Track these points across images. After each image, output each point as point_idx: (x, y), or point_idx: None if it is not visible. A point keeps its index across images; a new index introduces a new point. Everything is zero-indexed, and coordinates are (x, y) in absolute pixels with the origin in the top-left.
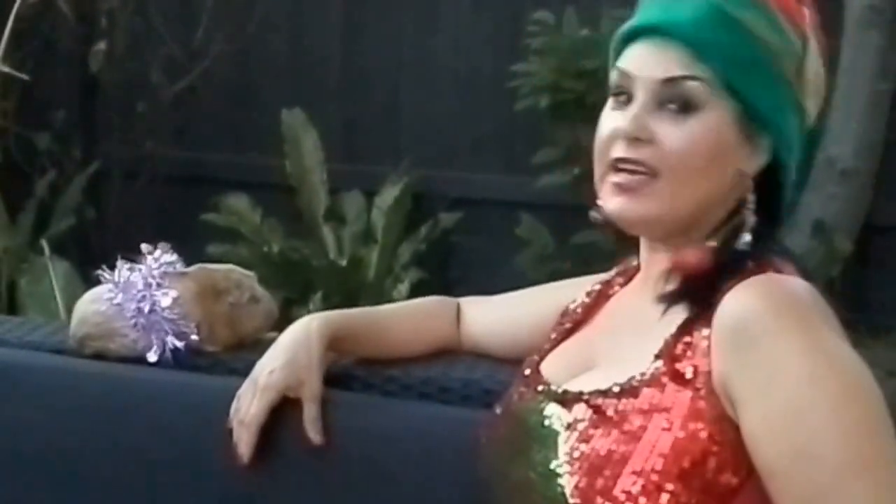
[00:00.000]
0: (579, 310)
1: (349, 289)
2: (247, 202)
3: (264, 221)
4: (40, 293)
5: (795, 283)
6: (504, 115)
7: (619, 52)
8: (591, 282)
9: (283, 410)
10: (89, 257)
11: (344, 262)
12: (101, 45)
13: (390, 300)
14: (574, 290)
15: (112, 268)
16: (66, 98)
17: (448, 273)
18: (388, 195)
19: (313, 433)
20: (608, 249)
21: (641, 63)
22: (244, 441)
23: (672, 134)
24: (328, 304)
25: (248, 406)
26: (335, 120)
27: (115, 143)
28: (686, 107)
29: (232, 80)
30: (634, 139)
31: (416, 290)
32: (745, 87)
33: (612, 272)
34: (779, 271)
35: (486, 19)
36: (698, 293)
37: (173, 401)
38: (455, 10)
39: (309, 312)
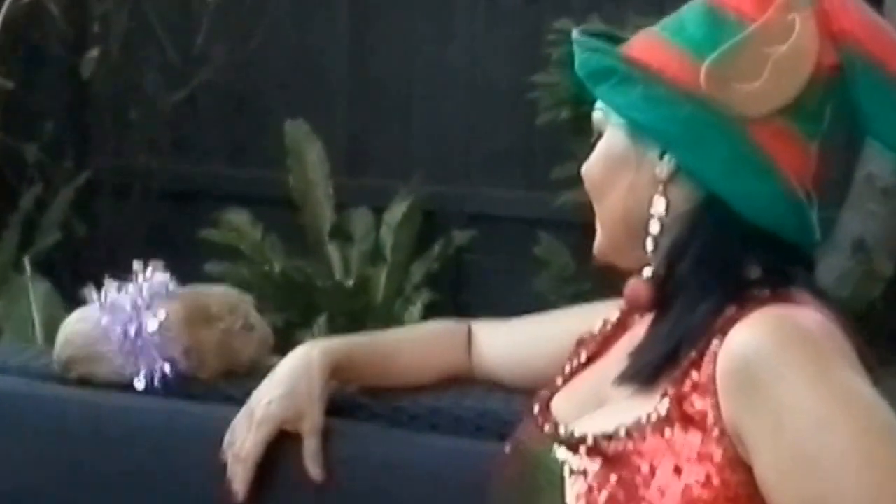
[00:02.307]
0: (596, 341)
1: (356, 311)
2: (247, 218)
3: (265, 239)
4: (17, 315)
5: (805, 316)
6: (522, 127)
7: None
8: (611, 308)
9: (281, 443)
10: (77, 275)
11: (350, 283)
12: (94, 52)
13: (400, 323)
14: (593, 316)
15: (101, 287)
16: (55, 107)
17: (462, 294)
18: (398, 211)
19: (314, 468)
20: (631, 271)
21: None
22: (239, 477)
23: (589, 160)
24: (333, 328)
25: (244, 440)
26: (342, 132)
27: (107, 155)
28: (599, 134)
29: (233, 89)
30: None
31: (429, 313)
32: (609, 97)
33: None
34: (793, 302)
35: (503, 27)
36: (656, 356)
37: (163, 430)
38: (471, 16)
39: (312, 336)
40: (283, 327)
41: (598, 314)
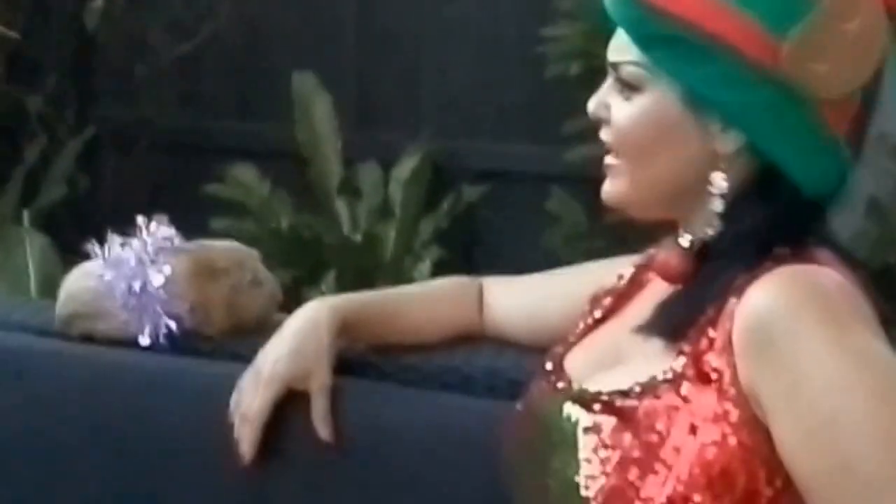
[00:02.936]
0: (610, 297)
1: (365, 268)
2: (254, 173)
3: (273, 194)
4: (12, 267)
5: (823, 275)
6: (532, 81)
7: None
8: (625, 264)
9: (290, 403)
10: (81, 230)
11: (359, 239)
12: (99, 2)
13: (410, 280)
14: (606, 273)
15: (104, 242)
16: (59, 59)
17: (472, 251)
18: (407, 166)
19: (322, 428)
20: (645, 227)
21: (610, 43)
22: (246, 438)
23: (618, 113)
24: (342, 284)
25: (252, 400)
26: (350, 85)
27: (112, 108)
28: (630, 87)
29: (239, 41)
30: (598, 119)
31: (438, 270)
32: (673, 69)
33: (648, 254)
34: (812, 261)
35: None
36: (686, 307)
37: (168, 389)
38: None
39: (321, 293)
40: (290, 284)
41: (611, 271)
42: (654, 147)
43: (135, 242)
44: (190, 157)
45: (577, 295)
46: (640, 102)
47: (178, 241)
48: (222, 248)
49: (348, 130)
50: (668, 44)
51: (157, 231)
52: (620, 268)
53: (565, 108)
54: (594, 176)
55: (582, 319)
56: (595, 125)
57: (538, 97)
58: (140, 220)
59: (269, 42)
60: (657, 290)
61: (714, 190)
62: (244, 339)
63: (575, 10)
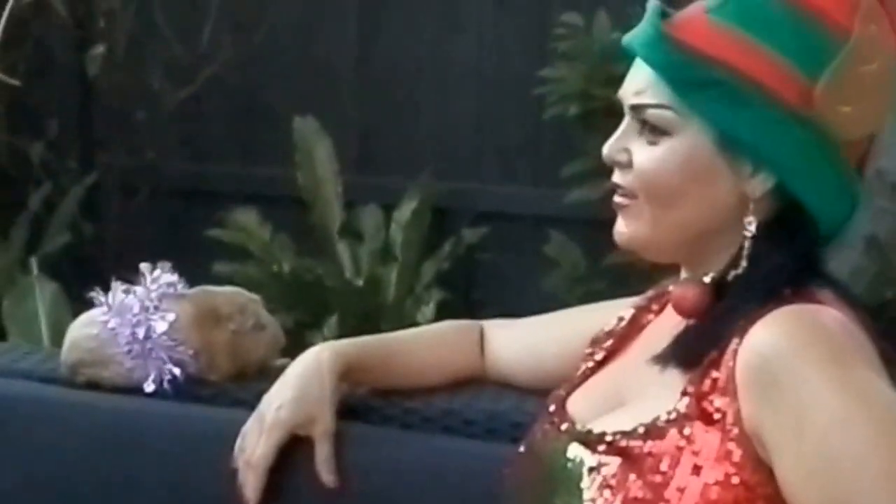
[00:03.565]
0: (611, 339)
1: (367, 311)
2: (255, 217)
3: (274, 238)
4: (23, 315)
5: (825, 315)
6: (531, 123)
7: None
8: (624, 306)
9: (293, 448)
10: (86, 276)
11: (361, 282)
12: (100, 49)
13: (413, 323)
14: (606, 315)
15: (108, 288)
16: (61, 105)
17: (474, 293)
18: (407, 209)
19: (326, 474)
20: (645, 269)
21: (624, 85)
22: (250, 484)
23: (643, 157)
24: (344, 328)
25: (255, 446)
26: (350, 128)
27: (114, 153)
28: (656, 131)
29: (240, 86)
30: (616, 163)
31: (440, 312)
32: (707, 112)
33: (648, 295)
34: (814, 300)
35: (510, 21)
36: (704, 338)
37: (173, 434)
38: (478, 11)
39: (323, 337)
40: (293, 328)
41: (611, 312)
42: (683, 190)
43: (138, 289)
44: (192, 202)
45: (578, 337)
46: (670, 146)
47: (181, 287)
48: (225, 293)
49: (349, 174)
50: (705, 87)
51: (160, 278)
52: (620, 310)
53: (564, 149)
54: (593, 218)
55: (583, 362)
56: (601, 167)
57: (537, 139)
58: (143, 266)
59: (269, 86)
60: (657, 332)
61: (746, 233)
62: (248, 383)
63: (574, 52)
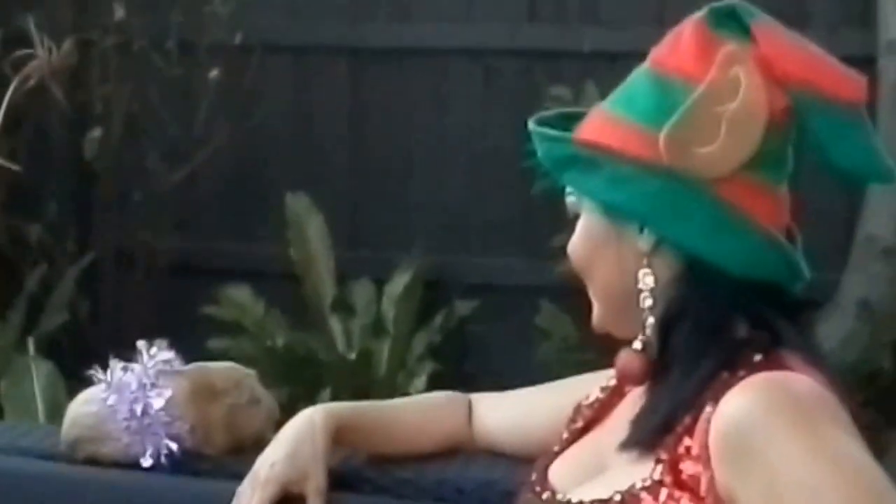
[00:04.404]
0: (593, 408)
1: (359, 384)
2: (249, 293)
3: (268, 313)
4: (20, 395)
5: (796, 381)
6: (521, 196)
7: None
8: (607, 376)
9: None
10: (83, 354)
11: (353, 356)
12: (96, 132)
13: (405, 395)
14: (589, 385)
15: (106, 366)
16: (59, 188)
17: (466, 365)
18: (399, 283)
19: None
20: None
21: None
22: None
23: (572, 240)
24: (337, 401)
25: (248, 501)
26: (342, 204)
27: (110, 233)
28: (576, 217)
29: (234, 165)
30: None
31: (433, 384)
32: (576, 183)
33: None
34: (785, 366)
35: (499, 96)
36: (659, 417)
37: None
38: (467, 87)
39: None
40: (286, 402)
41: (594, 382)
42: (593, 261)
43: (136, 367)
44: (187, 280)
45: (563, 407)
46: (579, 225)
47: (177, 363)
48: (220, 368)
49: (341, 249)
50: (571, 164)
51: (156, 355)
52: (603, 380)
53: (553, 222)
54: (583, 288)
55: (566, 430)
56: None
57: (526, 212)
58: (140, 344)
59: (262, 165)
60: (636, 399)
61: (641, 286)
62: (243, 457)
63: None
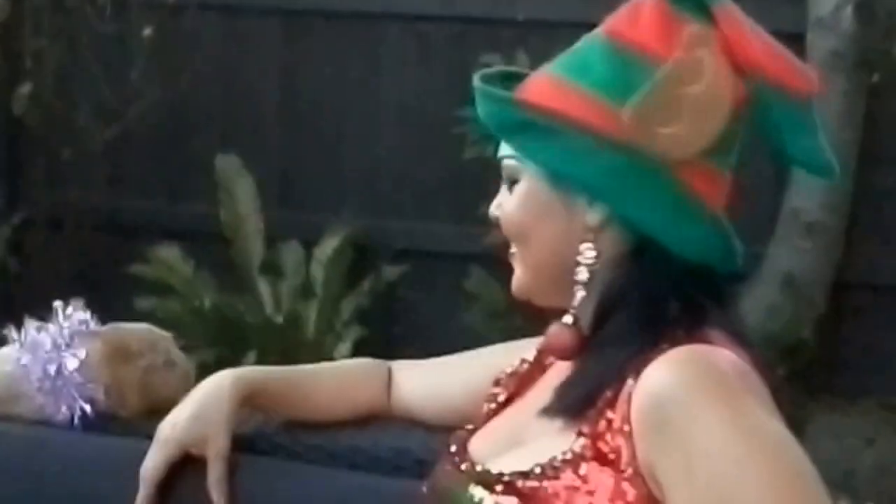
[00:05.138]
0: (513, 380)
1: (286, 347)
2: (178, 253)
3: (196, 274)
4: None
5: (718, 355)
6: (452, 162)
7: None
8: (529, 346)
9: (189, 468)
10: (10, 313)
11: (280, 319)
12: (26, 88)
13: (331, 359)
14: (511, 356)
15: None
16: None
17: (393, 330)
18: (328, 246)
19: (217, 496)
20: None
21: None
22: (140, 496)
23: (505, 205)
24: (263, 363)
25: (148, 461)
26: (273, 166)
27: (40, 191)
28: (512, 181)
29: (165, 125)
30: (495, 218)
31: (359, 349)
32: (528, 150)
33: None
34: (707, 341)
35: (432, 63)
36: (584, 386)
37: (86, 465)
38: (400, 52)
39: None
40: (213, 364)
41: (515, 353)
42: (532, 229)
43: (50, 327)
44: (118, 238)
45: (482, 377)
46: (518, 190)
47: (93, 324)
48: (136, 330)
49: (271, 211)
50: (522, 130)
51: (72, 315)
52: (524, 351)
53: (482, 188)
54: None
55: (486, 402)
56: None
57: (457, 178)
58: (56, 304)
59: (193, 125)
60: (559, 373)
61: (580, 259)
62: (158, 419)
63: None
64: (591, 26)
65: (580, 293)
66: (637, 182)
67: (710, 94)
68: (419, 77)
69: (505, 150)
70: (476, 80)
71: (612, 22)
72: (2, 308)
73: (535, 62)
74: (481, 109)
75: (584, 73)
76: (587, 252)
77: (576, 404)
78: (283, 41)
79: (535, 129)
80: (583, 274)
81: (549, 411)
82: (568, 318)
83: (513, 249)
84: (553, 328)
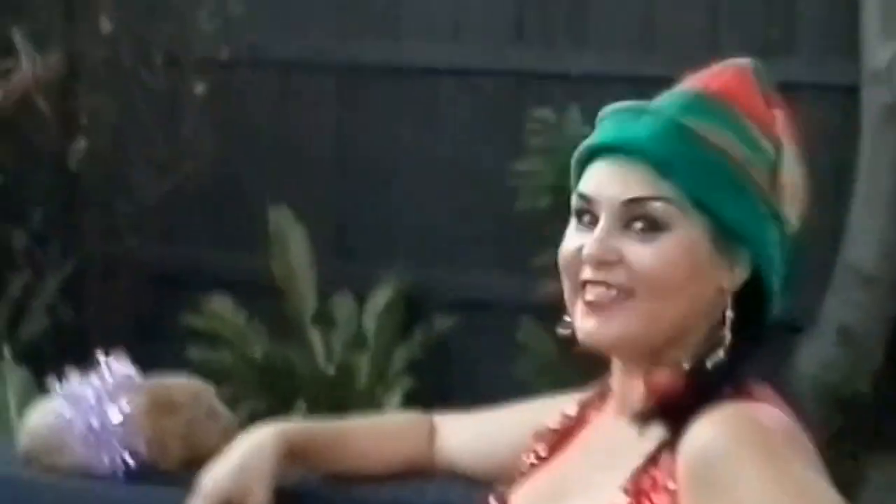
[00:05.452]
0: (556, 434)
1: (337, 397)
2: (230, 304)
3: (248, 324)
4: None
5: (765, 413)
6: (504, 214)
7: (579, 174)
8: (569, 401)
9: None
10: (65, 362)
11: (332, 370)
12: (81, 143)
13: (381, 410)
14: (552, 410)
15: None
16: (44, 195)
17: (444, 381)
18: (381, 297)
19: None
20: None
21: (602, 184)
22: None
23: (641, 253)
24: (313, 415)
25: None
26: (326, 218)
27: (94, 242)
28: (654, 226)
29: (218, 178)
30: (604, 262)
31: (410, 399)
32: (714, 202)
33: (591, 391)
34: (753, 398)
35: (486, 116)
36: (670, 419)
37: None
38: (454, 105)
39: None
40: (264, 413)
41: (556, 407)
42: (683, 285)
43: (94, 379)
44: (170, 289)
45: (524, 431)
46: (670, 240)
47: (136, 377)
48: (178, 383)
49: (323, 262)
50: (712, 176)
51: (115, 368)
52: (565, 405)
53: (534, 241)
54: (565, 307)
55: (527, 456)
56: (578, 263)
57: (509, 230)
58: (100, 356)
59: (246, 178)
60: (600, 429)
61: (727, 322)
62: (199, 470)
63: (546, 147)
64: (643, 80)
65: (721, 353)
66: (781, 253)
67: (802, 183)
68: (472, 130)
69: (654, 190)
70: (668, 115)
71: (724, 83)
72: (54, 357)
73: (588, 116)
74: (667, 147)
75: (723, 126)
76: (729, 314)
77: (676, 411)
78: (337, 95)
79: (724, 178)
80: (728, 337)
81: (646, 415)
82: (687, 364)
83: (616, 299)
84: (662, 376)
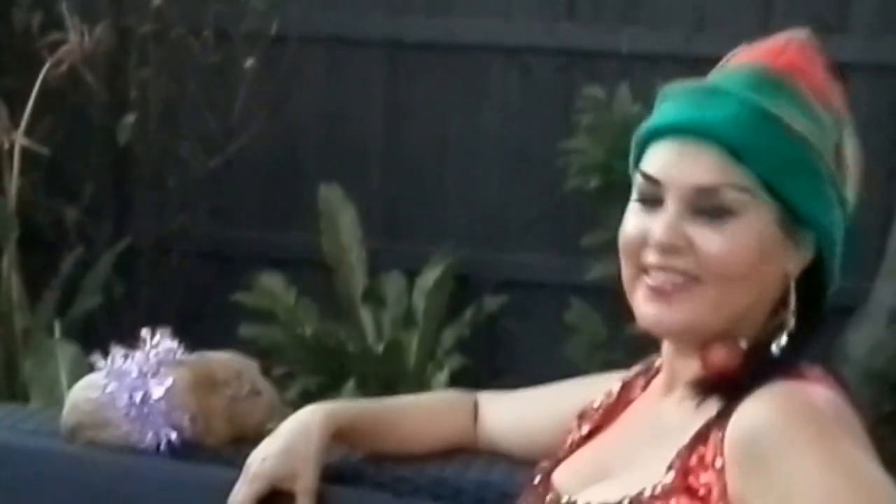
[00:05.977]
0: (599, 413)
1: (386, 375)
2: (281, 281)
3: (299, 302)
4: (45, 378)
5: (816, 394)
6: (553, 194)
7: (641, 151)
8: (612, 380)
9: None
10: (118, 338)
11: (381, 348)
12: (130, 118)
13: (430, 388)
14: (595, 390)
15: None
16: (96, 171)
17: (493, 360)
18: (430, 276)
19: None
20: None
21: (671, 167)
22: None
23: (711, 240)
24: (363, 392)
25: (236, 494)
26: (376, 196)
27: (146, 218)
28: (724, 212)
29: (269, 155)
30: (674, 248)
31: (458, 378)
32: (788, 188)
33: (634, 370)
34: (803, 378)
35: (535, 94)
36: (724, 395)
37: (173, 492)
38: (503, 84)
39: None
40: (314, 391)
41: (599, 386)
42: (753, 270)
43: (137, 355)
44: (220, 266)
45: (567, 410)
46: (741, 227)
47: (179, 352)
48: (221, 359)
49: (374, 241)
50: (796, 167)
51: (159, 343)
52: (609, 384)
53: (584, 221)
54: (614, 288)
55: (570, 435)
56: (641, 246)
57: (559, 210)
58: (144, 332)
59: (296, 155)
60: (644, 408)
61: (792, 307)
62: (243, 447)
63: (596, 125)
64: (694, 59)
65: (784, 338)
66: (842, 232)
67: (859, 158)
68: (522, 108)
69: (727, 176)
70: (743, 94)
71: (787, 58)
72: (107, 334)
73: (638, 94)
74: (755, 135)
75: (794, 111)
76: (792, 300)
77: (724, 396)
78: (387, 72)
79: (803, 166)
80: (791, 321)
81: (699, 387)
82: (744, 344)
83: (685, 285)
84: (720, 350)
